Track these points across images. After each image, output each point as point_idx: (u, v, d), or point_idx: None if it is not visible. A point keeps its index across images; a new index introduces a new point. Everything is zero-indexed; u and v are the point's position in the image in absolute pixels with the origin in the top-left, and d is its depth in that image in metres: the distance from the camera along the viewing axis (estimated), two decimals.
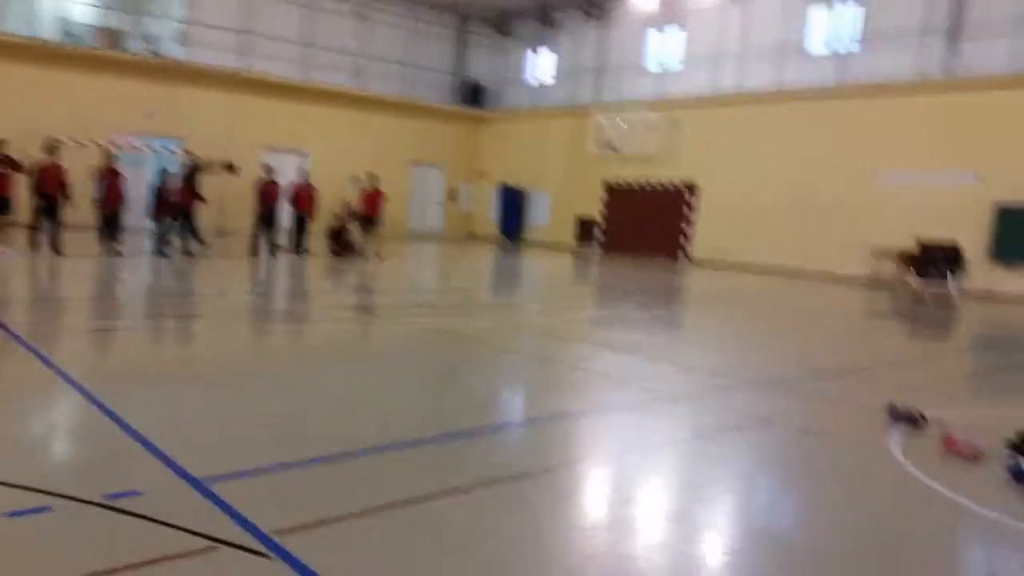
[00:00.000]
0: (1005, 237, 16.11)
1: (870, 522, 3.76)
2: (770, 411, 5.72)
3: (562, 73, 26.57)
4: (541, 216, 27.04)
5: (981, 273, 16.68)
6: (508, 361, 7.18)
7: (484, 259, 20.89)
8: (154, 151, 20.81)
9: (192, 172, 15.15)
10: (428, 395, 5.85)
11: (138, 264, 13.37)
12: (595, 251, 24.54)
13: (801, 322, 11.53)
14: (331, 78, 24.76)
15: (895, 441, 5.10)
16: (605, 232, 24.66)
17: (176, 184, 14.75)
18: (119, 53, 20.41)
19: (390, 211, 25.83)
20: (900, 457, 4.77)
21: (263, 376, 6.07)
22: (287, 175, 22.91)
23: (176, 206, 14.63)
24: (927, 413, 5.62)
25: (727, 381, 6.65)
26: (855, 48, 19.27)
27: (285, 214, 16.68)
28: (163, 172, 14.97)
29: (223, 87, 22.17)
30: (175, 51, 22.10)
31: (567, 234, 26.00)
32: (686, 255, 22.30)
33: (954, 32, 17.40)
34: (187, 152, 18.39)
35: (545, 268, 19.15)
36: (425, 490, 3.68)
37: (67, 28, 21.01)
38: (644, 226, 23.36)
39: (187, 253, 14.71)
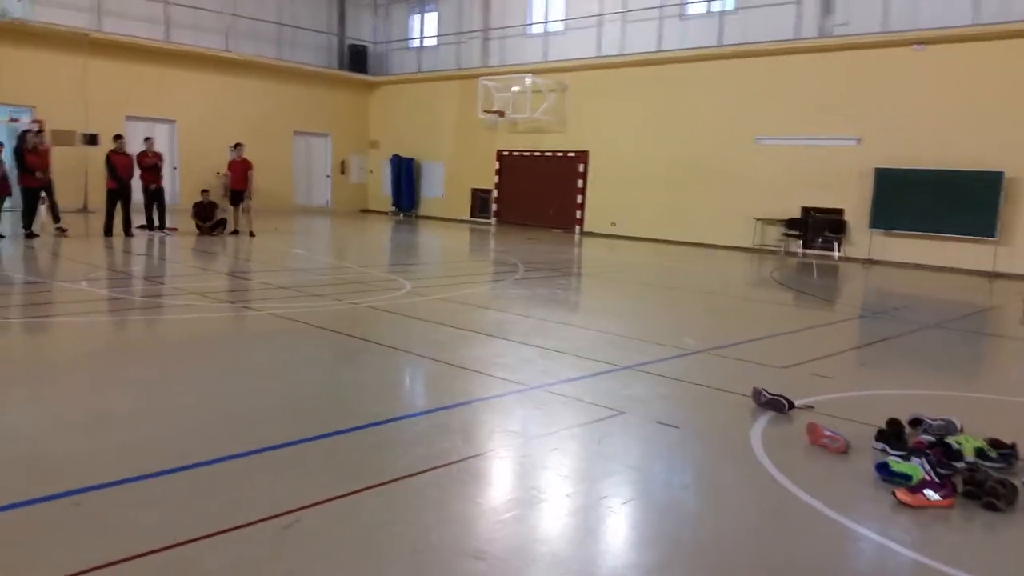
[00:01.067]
0: (885, 202, 16.27)
1: (706, 535, 3.20)
2: (630, 399, 5.15)
3: (447, 37, 25.50)
4: (435, 188, 26.10)
5: (863, 239, 16.84)
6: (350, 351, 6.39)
7: (370, 234, 19.89)
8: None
9: (22, 147, 13.47)
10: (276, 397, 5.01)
11: None
12: (491, 224, 23.86)
13: (681, 296, 11.16)
14: (199, 39, 22.95)
15: (757, 433, 4.60)
16: (499, 203, 23.98)
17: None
18: None
19: (273, 185, 24.51)
20: (759, 452, 4.26)
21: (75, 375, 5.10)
22: (159, 146, 21.41)
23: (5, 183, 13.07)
24: (797, 398, 5.19)
25: (590, 365, 6.06)
26: (731, 8, 19.04)
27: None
28: None
29: (75, 50, 20.15)
30: (19, 10, 19.93)
31: (463, 206, 25.18)
32: (580, 227, 21.89)
33: None
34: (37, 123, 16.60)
35: (426, 242, 18.34)
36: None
37: None
38: (538, 197, 22.80)
39: (31, 235, 13.21)
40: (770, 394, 5.13)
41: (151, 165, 15.06)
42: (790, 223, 17.73)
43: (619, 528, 3.31)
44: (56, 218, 14.14)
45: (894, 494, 3.68)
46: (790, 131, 17.66)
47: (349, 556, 2.89)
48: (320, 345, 6.51)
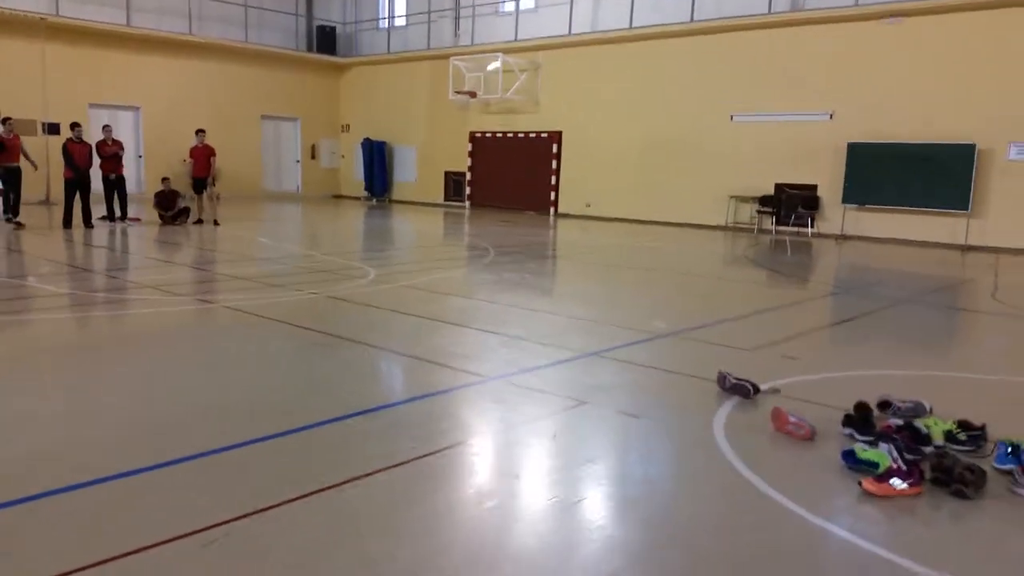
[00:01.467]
0: (858, 177, 16.17)
1: (659, 534, 3.02)
2: (592, 388, 4.97)
3: (418, 16, 25.03)
4: (408, 172, 25.74)
5: (836, 215, 16.75)
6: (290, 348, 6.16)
7: (340, 221, 19.55)
8: None
9: None
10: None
11: None
12: (464, 207, 23.57)
13: (653, 277, 11.00)
14: (162, 23, 22.36)
15: (720, 420, 4.43)
16: (473, 186, 23.69)
17: None
18: None
19: (242, 171, 24.05)
20: (721, 441, 4.09)
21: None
22: (126, 133, 20.89)
23: None
24: (764, 381, 5.04)
25: (553, 352, 5.87)
26: None
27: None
28: None
29: (32, 36, 19.55)
30: None
31: (436, 190, 24.86)
32: (555, 208, 21.67)
33: None
34: None
35: (397, 227, 18.06)
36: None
37: None
38: (512, 179, 22.54)
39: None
40: (735, 379, 4.97)
41: (111, 154, 14.65)
42: (763, 200, 17.61)
43: (567, 530, 3.12)
44: (15, 211, 13.74)
45: (860, 483, 3.52)
46: (764, 107, 17.50)
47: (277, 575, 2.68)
48: (270, 339, 6.26)
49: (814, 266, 13.23)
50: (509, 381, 5.12)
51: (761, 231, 17.62)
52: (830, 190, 16.81)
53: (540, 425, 4.30)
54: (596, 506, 3.34)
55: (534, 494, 3.41)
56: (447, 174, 24.54)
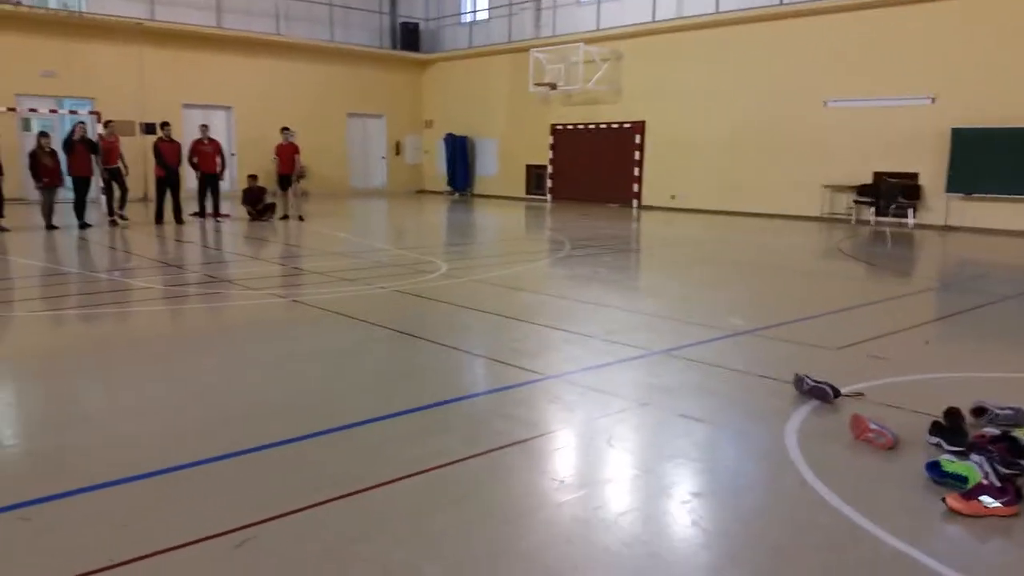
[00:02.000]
0: (963, 164, 15.11)
1: (713, 555, 2.75)
2: (655, 388, 4.70)
3: (499, 9, 24.93)
4: (490, 166, 25.71)
5: (940, 205, 15.72)
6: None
7: (420, 215, 19.66)
8: (60, 113, 19.25)
9: (71, 138, 13.64)
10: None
11: (11, 240, 12.11)
12: (546, 201, 23.36)
13: (736, 271, 10.51)
14: (251, 24, 23.01)
15: (794, 427, 4.09)
16: (554, 179, 23.44)
17: (53, 149, 13.28)
18: (6, 6, 18.59)
19: (329, 168, 24.56)
20: (793, 449, 3.77)
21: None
22: (219, 132, 21.61)
23: (54, 172, 13.25)
24: (847, 383, 4.66)
25: (619, 350, 5.61)
26: None
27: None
28: (39, 136, 13.54)
29: (130, 40, 20.45)
30: (74, 2, 20.35)
31: (518, 184, 24.75)
32: (638, 201, 21.20)
33: None
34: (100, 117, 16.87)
35: (475, 221, 17.99)
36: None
37: None
38: (594, 171, 22.18)
39: (83, 225, 13.46)
40: (814, 381, 4.60)
41: (207, 152, 15.10)
42: (861, 189, 16.72)
43: (609, 544, 2.88)
44: (116, 208, 14.35)
45: (944, 500, 3.15)
46: (860, 92, 16.59)
47: None
48: (331, 334, 6.23)
49: (914, 259, 12.42)
50: (569, 380, 4.91)
51: (859, 222, 16.73)
52: (933, 178, 15.78)
53: (595, 428, 4.07)
54: (647, 520, 3.09)
55: (579, 504, 3.19)
56: (528, 167, 24.37)
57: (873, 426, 3.87)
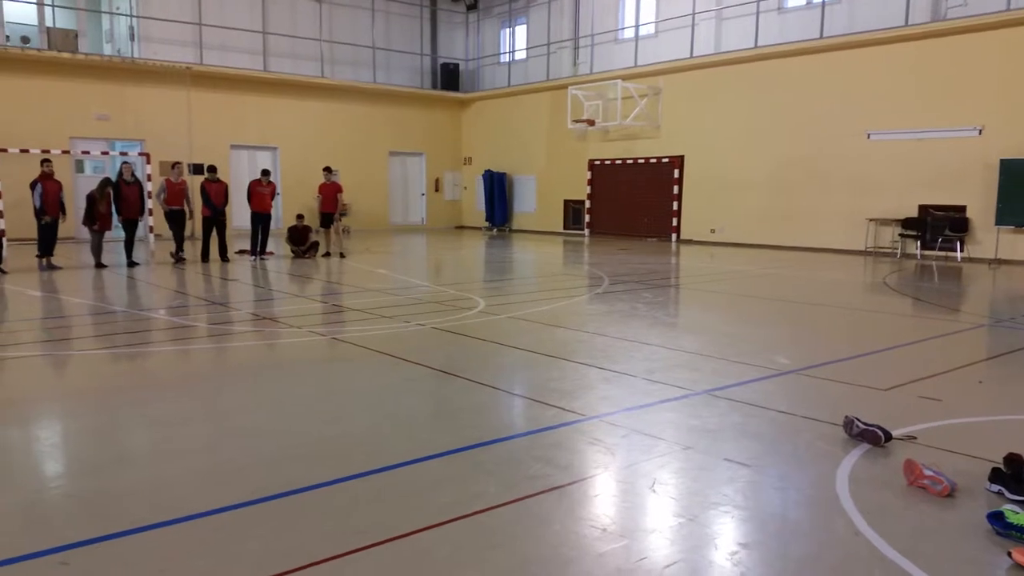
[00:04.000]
0: (1013, 196, 14.73)
1: None
2: (698, 430, 4.58)
3: (537, 49, 25.25)
4: (528, 202, 25.83)
5: (989, 238, 15.32)
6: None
7: (459, 251, 19.75)
8: (112, 155, 19.86)
9: (119, 179, 14.02)
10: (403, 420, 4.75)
11: (63, 278, 12.42)
12: (584, 236, 23.34)
13: (779, 306, 10.32)
14: (296, 68, 23.60)
15: (844, 472, 3.94)
16: (592, 214, 23.43)
17: (104, 192, 13.63)
18: (65, 54, 19.34)
19: (370, 205, 24.91)
20: (844, 496, 3.62)
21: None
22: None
23: (107, 218, 13.61)
24: (897, 427, 4.49)
25: (659, 390, 5.50)
26: None
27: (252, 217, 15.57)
28: (103, 181, 13.94)
29: (179, 84, 21.10)
30: (126, 48, 21.09)
31: (556, 219, 24.80)
32: (677, 235, 21.05)
33: None
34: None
35: (513, 257, 17.99)
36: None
37: (15, 31, 20.05)
38: (632, 206, 22.14)
39: (131, 264, 13.79)
40: (864, 423, 4.44)
41: (264, 193, 15.40)
42: (906, 223, 16.39)
43: None
44: (179, 249, 14.66)
45: (1010, 554, 2.98)
46: (904, 124, 16.36)
47: None
48: (366, 373, 6.22)
49: (964, 294, 12.06)
50: (608, 421, 4.81)
51: (904, 256, 16.38)
52: (981, 211, 15.41)
53: (637, 472, 3.96)
54: (693, 573, 2.97)
55: (622, 554, 3.08)
56: (566, 202, 24.42)
57: (928, 472, 3.71)
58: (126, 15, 21.26)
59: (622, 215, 22.46)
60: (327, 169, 16.59)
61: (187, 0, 21.60)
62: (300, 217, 16.79)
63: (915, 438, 4.46)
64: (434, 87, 27.10)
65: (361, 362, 6.57)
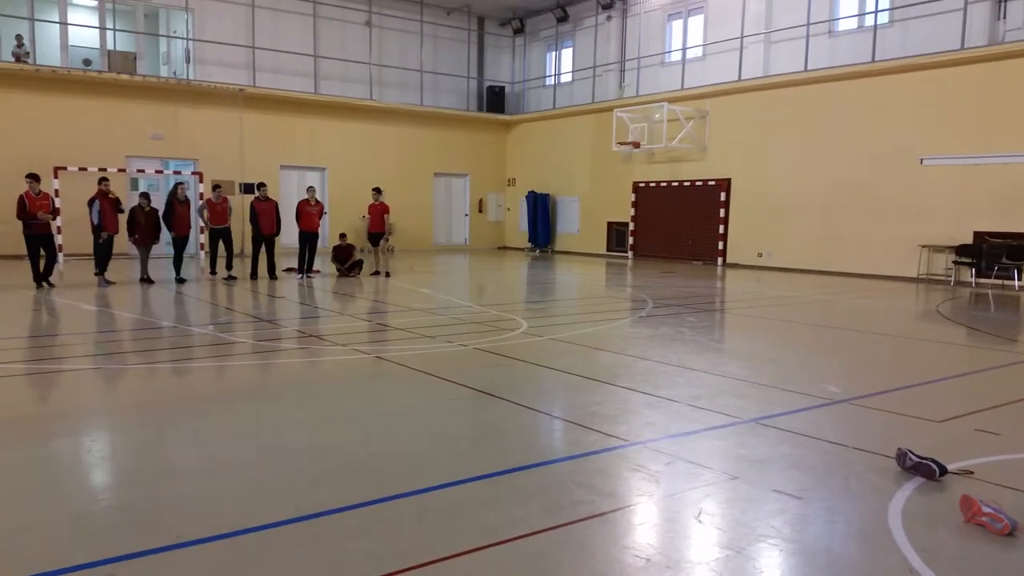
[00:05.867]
0: None
1: None
2: (746, 460, 4.48)
3: (583, 71, 25.35)
4: (571, 223, 25.82)
5: None
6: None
7: (502, 272, 19.79)
8: (165, 174, 20.40)
9: (173, 198, 14.41)
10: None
11: (115, 293, 12.74)
12: (627, 258, 23.21)
13: (828, 334, 10.11)
14: (345, 90, 24.03)
15: (897, 506, 3.81)
16: (636, 236, 23.31)
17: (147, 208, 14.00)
18: (124, 76, 19.99)
19: (415, 226, 25.16)
20: (897, 531, 3.50)
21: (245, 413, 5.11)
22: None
23: (147, 231, 13.96)
24: (953, 461, 4.34)
25: (705, 417, 5.41)
26: (886, 21, 17.63)
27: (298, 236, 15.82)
28: (140, 196, 14.32)
29: (231, 105, 21.62)
30: (182, 71, 21.71)
31: (599, 241, 24.73)
32: (723, 258, 20.81)
33: None
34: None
35: (557, 278, 17.95)
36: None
37: (78, 54, 20.81)
38: (677, 228, 21.97)
39: (179, 280, 14.11)
40: (917, 456, 4.31)
41: (311, 213, 15.66)
42: (961, 250, 15.97)
43: None
44: (228, 265, 14.98)
45: None
46: (958, 149, 16.00)
47: None
48: (408, 393, 6.23)
49: (1020, 323, 11.68)
50: (653, 447, 4.73)
51: (958, 283, 15.95)
52: None
53: (682, 502, 3.88)
54: None
55: None
56: (610, 224, 24.34)
57: (987, 508, 3.57)
58: (183, 38, 21.89)
59: (667, 238, 22.30)
60: (376, 189, 16.81)
61: (241, 24, 22.19)
62: (343, 236, 16.99)
63: (972, 473, 4.30)
64: (480, 109, 27.35)
65: (404, 381, 6.60)
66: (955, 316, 11.87)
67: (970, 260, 15.80)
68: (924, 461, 4.26)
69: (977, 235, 15.78)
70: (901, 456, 4.38)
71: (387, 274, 16.12)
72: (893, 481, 4.17)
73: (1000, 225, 15.47)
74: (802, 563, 3.24)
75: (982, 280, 15.63)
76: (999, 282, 15.37)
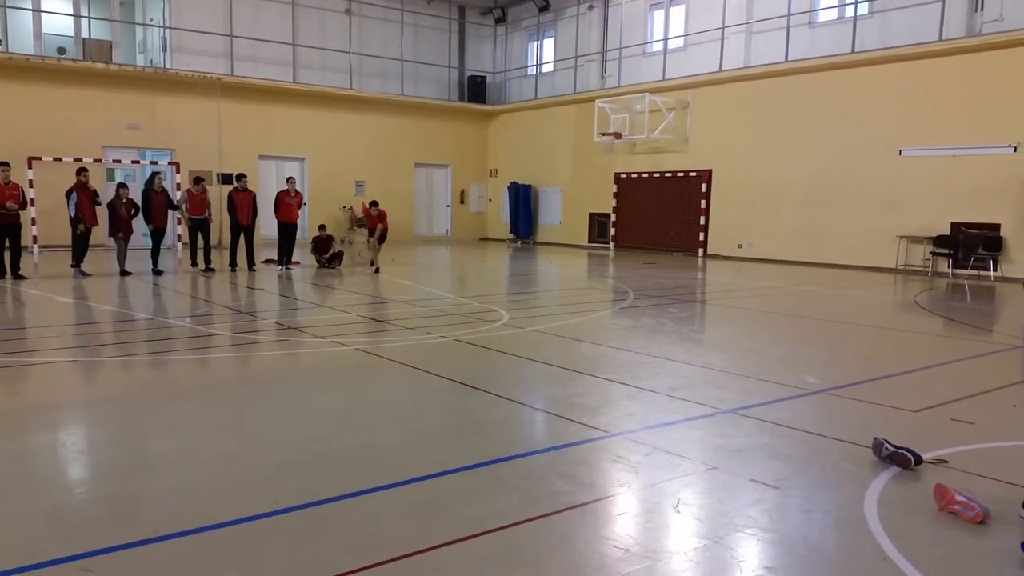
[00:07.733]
0: None
1: None
2: (724, 450, 4.52)
3: (564, 62, 25.31)
4: (553, 214, 25.81)
5: (1022, 257, 15.03)
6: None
7: (483, 263, 19.77)
8: (142, 164, 20.15)
9: (149, 189, 14.23)
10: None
11: (91, 285, 12.59)
12: (609, 249, 23.26)
13: (807, 324, 10.19)
14: (324, 79, 23.83)
15: (873, 495, 3.86)
16: (617, 227, 23.35)
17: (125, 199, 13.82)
18: (99, 65, 19.69)
19: (396, 216, 24.88)
20: (872, 520, 3.54)
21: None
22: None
23: (128, 224, 13.80)
24: (928, 450, 4.40)
25: (684, 407, 5.44)
26: (866, 12, 17.73)
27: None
28: (118, 187, 14.13)
29: (209, 94, 21.37)
30: (158, 59, 21.42)
31: (581, 232, 24.75)
32: (704, 249, 20.91)
33: None
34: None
35: (538, 270, 17.96)
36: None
37: (51, 42, 20.47)
38: (659, 219, 22.04)
39: (156, 272, 13.97)
40: (893, 446, 4.36)
41: (291, 204, 15.53)
42: (938, 241, 16.14)
43: None
44: (206, 260, 14.83)
45: None
46: (936, 140, 16.14)
47: None
48: (388, 385, 6.22)
49: (997, 314, 11.84)
50: (632, 438, 4.76)
51: (936, 274, 16.13)
52: (1016, 229, 15.14)
53: (661, 492, 3.91)
54: None
55: (646, 574, 3.03)
56: (592, 216, 24.37)
57: (960, 497, 3.62)
58: (159, 26, 21.60)
59: (648, 229, 22.36)
60: (374, 204, 16.07)
61: (219, 12, 21.90)
62: (322, 227, 16.88)
63: (947, 462, 4.36)
64: (461, 99, 27.23)
65: (384, 373, 6.58)
66: (932, 307, 12.00)
67: (947, 251, 15.98)
68: (900, 450, 4.31)
69: (954, 226, 15.96)
70: (877, 446, 4.42)
71: (377, 269, 15.98)
72: (870, 470, 4.22)
73: (977, 216, 15.65)
74: (779, 552, 3.27)
75: (959, 271, 15.81)
76: (975, 273, 15.55)
